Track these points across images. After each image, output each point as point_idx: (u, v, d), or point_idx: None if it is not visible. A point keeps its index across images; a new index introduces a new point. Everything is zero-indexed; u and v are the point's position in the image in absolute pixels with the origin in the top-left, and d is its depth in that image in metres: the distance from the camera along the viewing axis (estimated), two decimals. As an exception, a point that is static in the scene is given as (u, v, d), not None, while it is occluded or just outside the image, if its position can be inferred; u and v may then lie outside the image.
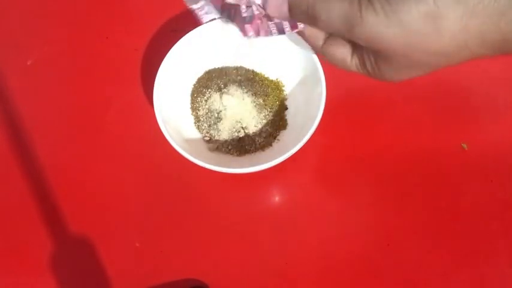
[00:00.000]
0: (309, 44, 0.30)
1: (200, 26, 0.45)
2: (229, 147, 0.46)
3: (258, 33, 0.30)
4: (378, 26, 0.24)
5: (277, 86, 0.49)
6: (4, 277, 0.45)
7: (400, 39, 0.24)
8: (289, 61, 0.47)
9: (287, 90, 0.49)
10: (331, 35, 0.30)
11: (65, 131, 0.51)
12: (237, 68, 0.50)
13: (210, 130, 0.46)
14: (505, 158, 0.47)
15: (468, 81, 0.50)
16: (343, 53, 0.29)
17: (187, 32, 0.45)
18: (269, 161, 0.40)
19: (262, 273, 0.43)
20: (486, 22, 0.22)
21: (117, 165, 0.48)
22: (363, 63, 0.29)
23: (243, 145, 0.46)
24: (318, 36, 0.30)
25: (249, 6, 0.29)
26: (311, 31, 0.30)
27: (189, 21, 0.46)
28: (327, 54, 0.30)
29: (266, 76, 0.49)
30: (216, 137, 0.46)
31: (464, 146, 0.47)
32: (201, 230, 0.45)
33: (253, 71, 0.49)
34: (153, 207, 0.46)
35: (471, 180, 0.46)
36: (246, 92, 0.47)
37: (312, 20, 0.27)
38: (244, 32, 0.30)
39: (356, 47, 0.29)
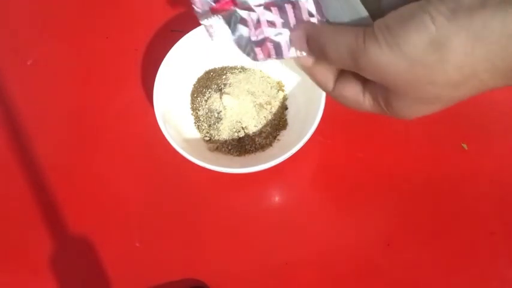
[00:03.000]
0: (320, 87, 0.30)
1: (200, 26, 0.45)
2: (229, 147, 0.46)
3: (268, 56, 0.30)
4: (382, 58, 0.24)
5: (277, 86, 0.49)
6: (4, 277, 0.45)
7: (406, 72, 0.23)
8: (289, 61, 0.47)
9: (287, 90, 0.49)
10: (341, 76, 0.29)
11: (65, 130, 0.51)
12: (237, 68, 0.50)
13: (210, 130, 0.46)
14: (505, 158, 0.47)
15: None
16: (355, 92, 0.29)
17: (187, 32, 0.45)
18: (269, 161, 0.40)
19: (262, 273, 0.43)
20: (493, 48, 0.21)
21: (117, 165, 0.48)
22: (376, 101, 0.28)
23: (243, 145, 0.46)
24: (328, 78, 0.30)
25: (258, 28, 0.28)
26: (321, 75, 0.30)
27: (189, 21, 0.46)
28: (339, 97, 0.30)
29: (266, 76, 0.49)
30: (216, 137, 0.46)
31: (464, 146, 0.47)
32: (201, 230, 0.45)
33: (253, 71, 0.49)
34: (153, 207, 0.46)
35: (471, 180, 0.46)
36: (246, 92, 0.47)
37: (323, 55, 0.27)
38: (254, 55, 0.30)
39: (367, 85, 0.28)
